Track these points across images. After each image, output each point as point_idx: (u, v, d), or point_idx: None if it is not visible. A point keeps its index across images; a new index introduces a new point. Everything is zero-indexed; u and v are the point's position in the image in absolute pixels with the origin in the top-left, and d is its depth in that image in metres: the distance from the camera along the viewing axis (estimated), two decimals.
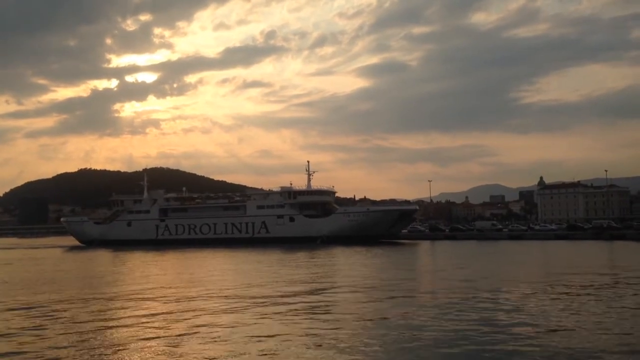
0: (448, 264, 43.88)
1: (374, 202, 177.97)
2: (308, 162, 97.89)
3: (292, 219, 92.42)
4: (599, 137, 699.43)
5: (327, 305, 21.77)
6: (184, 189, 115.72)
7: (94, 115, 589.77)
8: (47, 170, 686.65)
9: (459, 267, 39.56)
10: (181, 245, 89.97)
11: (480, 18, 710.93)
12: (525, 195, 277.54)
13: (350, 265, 43.82)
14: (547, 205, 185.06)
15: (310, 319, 18.98)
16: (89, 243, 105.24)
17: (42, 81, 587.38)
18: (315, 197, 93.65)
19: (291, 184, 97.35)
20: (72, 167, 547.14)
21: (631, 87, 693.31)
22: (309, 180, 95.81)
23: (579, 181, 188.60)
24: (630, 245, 64.52)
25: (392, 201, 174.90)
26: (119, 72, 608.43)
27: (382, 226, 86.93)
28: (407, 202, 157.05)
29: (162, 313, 20.93)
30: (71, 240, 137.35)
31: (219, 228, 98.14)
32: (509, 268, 38.82)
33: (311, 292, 26.05)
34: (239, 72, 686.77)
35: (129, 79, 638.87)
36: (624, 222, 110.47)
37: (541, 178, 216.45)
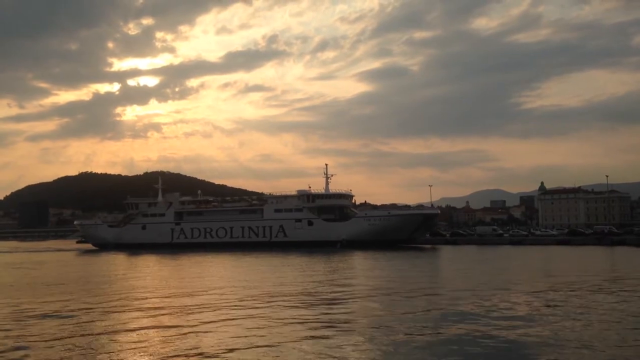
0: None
1: (374, 207, 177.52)
2: (326, 165, 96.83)
3: (310, 223, 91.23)
4: (599, 143, 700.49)
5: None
6: (199, 192, 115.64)
7: (95, 119, 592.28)
8: (48, 173, 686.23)
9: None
10: (197, 249, 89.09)
11: (482, 23, 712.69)
12: (526, 200, 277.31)
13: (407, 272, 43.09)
14: (548, 210, 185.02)
15: None
16: (103, 246, 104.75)
17: (43, 85, 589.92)
18: (333, 200, 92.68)
19: (310, 187, 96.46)
20: (72, 171, 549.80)
21: (632, 93, 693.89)
22: (327, 183, 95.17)
23: (579, 187, 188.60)
24: (631, 251, 64.58)
25: (393, 206, 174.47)
26: (120, 76, 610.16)
27: (403, 231, 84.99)
28: (407, 206, 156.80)
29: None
30: (71, 244, 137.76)
31: (235, 232, 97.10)
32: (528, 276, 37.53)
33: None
34: (241, 76, 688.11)
35: (131, 82, 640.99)
36: (624, 228, 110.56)
37: (542, 183, 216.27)
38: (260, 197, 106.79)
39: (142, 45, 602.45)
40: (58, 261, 68.22)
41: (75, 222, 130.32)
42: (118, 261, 66.09)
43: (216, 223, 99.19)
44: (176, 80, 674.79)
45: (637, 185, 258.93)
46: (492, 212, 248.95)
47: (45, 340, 17.51)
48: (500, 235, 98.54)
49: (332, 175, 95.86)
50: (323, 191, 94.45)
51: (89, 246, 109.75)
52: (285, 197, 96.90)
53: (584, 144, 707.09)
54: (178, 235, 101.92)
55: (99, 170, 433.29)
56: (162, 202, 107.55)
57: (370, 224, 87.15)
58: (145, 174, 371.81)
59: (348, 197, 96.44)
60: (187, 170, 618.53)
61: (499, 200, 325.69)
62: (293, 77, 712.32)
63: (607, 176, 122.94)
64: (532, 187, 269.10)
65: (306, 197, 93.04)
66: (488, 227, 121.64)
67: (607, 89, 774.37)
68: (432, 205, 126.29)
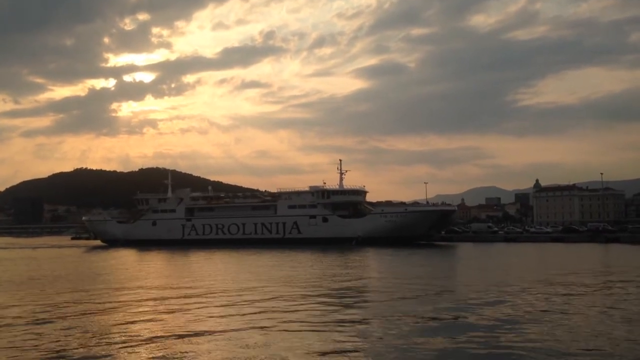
0: None
1: (370, 204, 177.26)
2: (340, 160, 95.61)
3: (325, 219, 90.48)
4: (595, 140, 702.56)
5: None
6: (209, 187, 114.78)
7: (90, 115, 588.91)
8: (43, 169, 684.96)
9: None
10: (208, 245, 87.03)
11: (480, 20, 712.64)
12: (521, 197, 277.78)
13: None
14: (542, 207, 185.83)
15: None
16: (112, 242, 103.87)
17: (39, 80, 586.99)
18: (348, 196, 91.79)
19: (324, 183, 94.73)
20: (68, 167, 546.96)
21: (628, 90, 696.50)
22: (341, 179, 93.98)
23: (574, 184, 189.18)
24: (624, 248, 64.90)
25: (388, 203, 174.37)
26: (116, 72, 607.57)
27: (420, 227, 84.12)
28: (402, 203, 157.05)
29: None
30: (67, 240, 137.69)
31: (248, 228, 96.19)
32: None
33: None
34: (237, 73, 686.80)
35: (127, 78, 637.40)
36: (618, 225, 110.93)
37: (537, 180, 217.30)
38: (273, 193, 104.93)
39: (138, 40, 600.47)
40: (80, 258, 68.71)
41: (83, 218, 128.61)
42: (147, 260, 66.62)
43: (228, 219, 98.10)
44: (172, 76, 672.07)
45: (632, 182, 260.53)
46: (487, 209, 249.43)
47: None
48: (495, 233, 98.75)
49: (346, 171, 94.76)
50: (337, 187, 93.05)
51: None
52: (299, 193, 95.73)
53: (580, 141, 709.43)
54: (189, 232, 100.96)
55: (94, 167, 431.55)
56: (172, 198, 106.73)
57: (387, 221, 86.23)
58: (141, 170, 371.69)
59: (362, 193, 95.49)
60: (182, 166, 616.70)
61: (494, 197, 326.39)
62: (290, 73, 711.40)
63: (601, 174, 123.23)
64: (527, 185, 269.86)
65: (321, 193, 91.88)
66: (483, 225, 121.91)
67: (604, 87, 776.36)
68: (427, 202, 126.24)
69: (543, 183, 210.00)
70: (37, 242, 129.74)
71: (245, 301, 24.63)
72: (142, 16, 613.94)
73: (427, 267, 43.76)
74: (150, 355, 15.12)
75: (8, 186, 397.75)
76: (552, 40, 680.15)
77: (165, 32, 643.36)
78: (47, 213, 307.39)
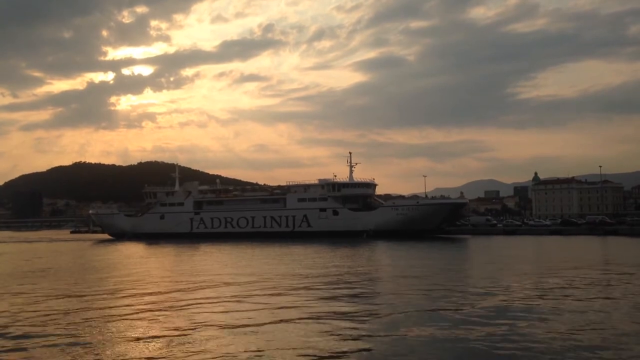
0: None
1: None
2: (350, 153, 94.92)
3: (335, 213, 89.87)
4: (594, 133, 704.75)
5: None
6: (217, 181, 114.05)
7: (89, 109, 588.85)
8: (42, 163, 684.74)
9: None
10: (217, 239, 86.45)
11: (479, 13, 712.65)
12: (520, 190, 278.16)
13: None
14: (541, 200, 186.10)
15: None
16: (119, 236, 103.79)
17: (37, 74, 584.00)
18: (359, 189, 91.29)
19: (335, 176, 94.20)
20: (67, 161, 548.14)
21: (628, 82, 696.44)
22: (351, 172, 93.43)
23: (573, 177, 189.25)
24: (623, 241, 65.02)
25: (387, 196, 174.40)
26: (115, 65, 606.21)
27: (432, 220, 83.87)
28: (401, 197, 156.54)
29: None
30: (66, 234, 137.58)
31: (257, 221, 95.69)
32: None
33: None
34: (236, 66, 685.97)
35: (126, 71, 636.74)
36: (617, 218, 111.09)
37: (535, 174, 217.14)
38: (282, 186, 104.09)
39: (136, 33, 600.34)
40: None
41: (90, 212, 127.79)
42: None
43: (237, 212, 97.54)
44: (171, 69, 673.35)
45: (631, 175, 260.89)
46: (486, 202, 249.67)
47: None
48: (493, 226, 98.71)
49: (356, 164, 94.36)
50: (347, 180, 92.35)
51: (101, 236, 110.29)
52: (308, 186, 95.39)
53: (579, 134, 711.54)
54: (197, 225, 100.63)
55: (93, 160, 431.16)
56: (180, 192, 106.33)
57: (398, 214, 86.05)
58: (140, 164, 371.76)
59: (372, 186, 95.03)
60: (181, 160, 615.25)
61: (493, 190, 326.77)
62: (289, 66, 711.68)
63: (600, 166, 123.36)
64: (526, 178, 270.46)
65: (331, 186, 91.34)
66: (482, 217, 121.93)
67: (603, 79, 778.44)
68: (426, 195, 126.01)
69: (542, 176, 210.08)
70: (36, 236, 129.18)
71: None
72: (141, 9, 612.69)
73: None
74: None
75: (7, 180, 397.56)
76: (552, 32, 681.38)
77: (163, 25, 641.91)
78: (46, 207, 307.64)
